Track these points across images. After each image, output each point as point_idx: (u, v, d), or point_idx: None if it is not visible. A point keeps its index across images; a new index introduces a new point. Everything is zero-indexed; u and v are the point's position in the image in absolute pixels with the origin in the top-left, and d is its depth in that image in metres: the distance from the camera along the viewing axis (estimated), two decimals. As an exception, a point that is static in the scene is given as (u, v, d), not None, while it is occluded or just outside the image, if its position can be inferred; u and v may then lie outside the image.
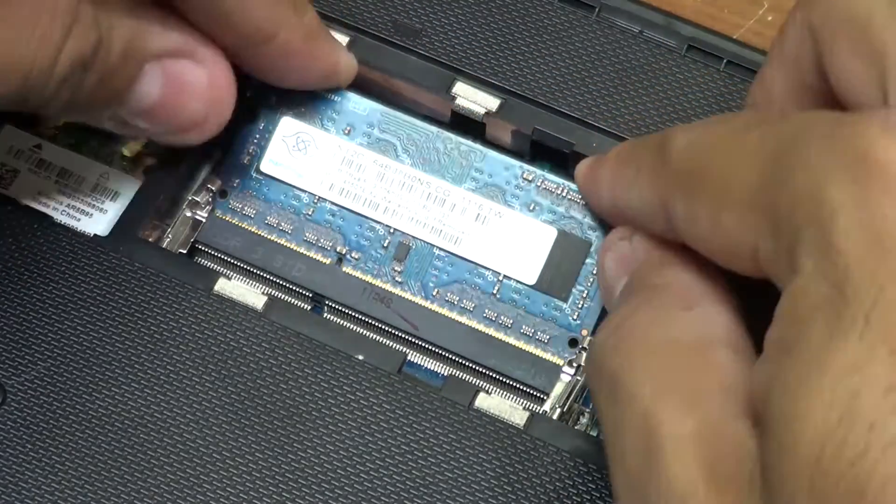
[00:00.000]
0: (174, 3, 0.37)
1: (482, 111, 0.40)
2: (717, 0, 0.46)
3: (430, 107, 0.41)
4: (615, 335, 0.30)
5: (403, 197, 0.40)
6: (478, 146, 0.40)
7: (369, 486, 0.35)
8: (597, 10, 0.42)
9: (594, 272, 0.39)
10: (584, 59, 0.41)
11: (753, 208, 0.27)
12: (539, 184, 0.40)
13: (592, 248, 0.39)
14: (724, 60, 0.41)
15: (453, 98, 0.41)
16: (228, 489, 0.35)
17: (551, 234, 0.39)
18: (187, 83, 0.37)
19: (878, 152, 0.25)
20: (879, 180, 0.24)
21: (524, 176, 0.40)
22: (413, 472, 0.35)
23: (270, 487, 0.35)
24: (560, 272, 0.39)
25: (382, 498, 0.35)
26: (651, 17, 0.42)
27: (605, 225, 0.39)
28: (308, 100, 0.41)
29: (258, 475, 0.35)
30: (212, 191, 0.40)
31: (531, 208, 0.39)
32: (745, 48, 0.41)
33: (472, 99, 0.41)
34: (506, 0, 0.42)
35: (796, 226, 0.26)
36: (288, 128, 0.41)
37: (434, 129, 0.40)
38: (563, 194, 0.39)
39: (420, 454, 0.36)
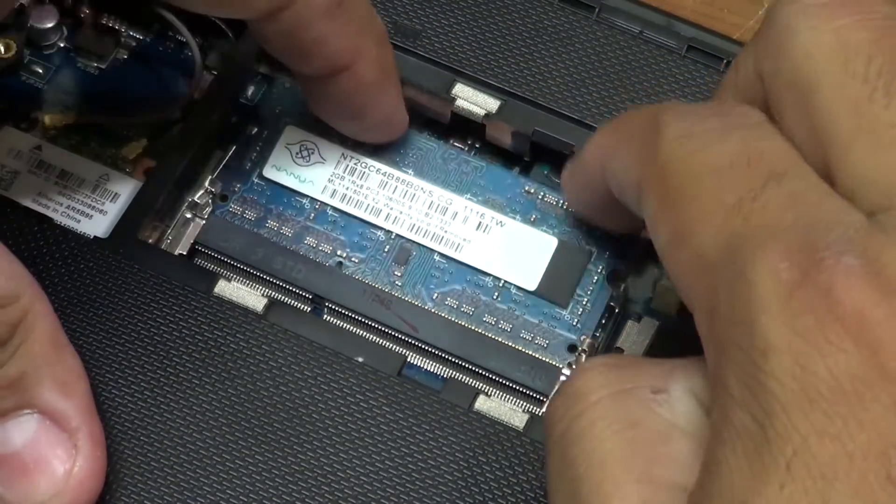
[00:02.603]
0: (254, 35, 0.36)
1: (482, 113, 0.40)
2: (717, 0, 0.46)
3: (429, 108, 0.41)
4: (576, 402, 0.28)
5: (405, 205, 0.40)
6: (479, 161, 0.40)
7: (369, 488, 0.35)
8: (597, 10, 0.42)
9: (594, 280, 0.39)
10: (584, 59, 0.41)
11: (701, 275, 0.26)
12: (540, 198, 0.40)
13: (593, 257, 0.39)
14: (724, 61, 0.41)
15: (453, 99, 0.41)
16: (228, 491, 0.35)
17: (552, 243, 0.39)
18: (52, 455, 0.34)
19: (841, 296, 0.23)
20: (823, 331, 0.23)
21: (525, 190, 0.40)
22: (413, 474, 0.35)
23: (270, 489, 0.35)
24: (560, 279, 0.39)
25: (382, 501, 0.35)
26: (651, 18, 0.42)
27: (604, 236, 0.39)
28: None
29: (258, 477, 0.35)
30: (212, 193, 0.40)
31: (532, 220, 0.39)
32: (745, 48, 0.41)
33: (472, 100, 0.41)
34: (506, 1, 0.42)
35: (727, 339, 0.25)
36: (292, 136, 0.41)
37: (436, 143, 0.41)
38: (565, 208, 0.39)
39: (420, 456, 0.36)
